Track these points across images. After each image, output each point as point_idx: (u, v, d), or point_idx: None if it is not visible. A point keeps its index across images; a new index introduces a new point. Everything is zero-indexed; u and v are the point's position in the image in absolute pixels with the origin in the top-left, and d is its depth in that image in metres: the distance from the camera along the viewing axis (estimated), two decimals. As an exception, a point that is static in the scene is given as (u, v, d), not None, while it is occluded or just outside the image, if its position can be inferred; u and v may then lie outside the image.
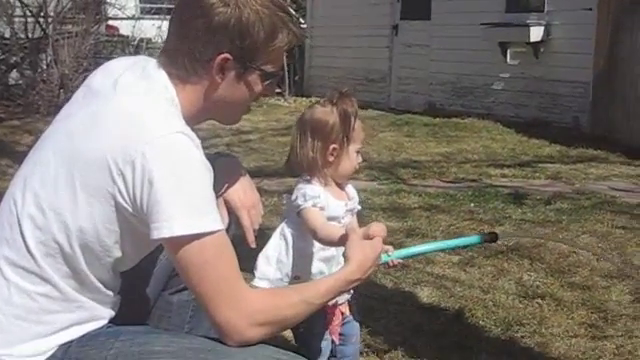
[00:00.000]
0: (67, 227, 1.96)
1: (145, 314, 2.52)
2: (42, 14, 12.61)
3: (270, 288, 2.51)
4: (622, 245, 5.31)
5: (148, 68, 2.09)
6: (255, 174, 6.99)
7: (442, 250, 2.48)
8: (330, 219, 2.57)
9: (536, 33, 11.16)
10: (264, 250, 2.63)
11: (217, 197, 2.30)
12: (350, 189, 2.72)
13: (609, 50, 10.34)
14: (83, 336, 2.05)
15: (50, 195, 1.97)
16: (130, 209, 1.93)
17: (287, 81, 15.09)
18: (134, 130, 1.92)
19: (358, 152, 2.66)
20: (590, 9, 10.57)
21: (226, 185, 2.37)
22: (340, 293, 2.22)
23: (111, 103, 2.01)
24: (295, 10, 17.57)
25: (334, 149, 2.59)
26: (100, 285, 2.06)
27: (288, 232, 2.62)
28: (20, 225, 1.98)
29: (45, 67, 12.35)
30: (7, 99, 12.34)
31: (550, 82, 11.21)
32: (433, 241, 2.62)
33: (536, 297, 4.28)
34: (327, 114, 2.59)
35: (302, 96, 14.92)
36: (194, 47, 2.04)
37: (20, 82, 12.77)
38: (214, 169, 2.06)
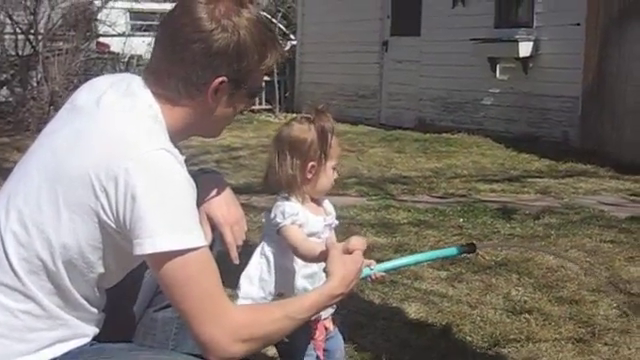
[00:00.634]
0: (50, 244, 1.96)
1: (130, 331, 2.51)
2: (32, 31, 12.61)
3: (253, 304, 2.51)
4: (610, 259, 5.31)
5: (132, 85, 2.09)
6: (244, 190, 7.05)
7: (423, 262, 2.51)
8: (310, 235, 2.58)
9: (525, 48, 11.20)
10: (246, 270, 2.63)
11: (200, 212, 2.31)
12: (327, 204, 2.73)
13: (598, 65, 10.38)
14: (66, 354, 2.04)
15: (33, 212, 1.97)
16: (113, 225, 1.93)
17: (277, 97, 15.11)
18: (117, 147, 1.92)
19: (334, 168, 2.67)
20: (578, 24, 10.62)
21: (209, 201, 2.37)
22: (324, 308, 2.23)
23: (94, 120, 2.01)
24: (286, 26, 17.66)
25: (312, 167, 2.60)
26: (84, 302, 2.06)
27: (269, 250, 2.62)
28: (3, 242, 1.98)
29: (35, 84, 12.34)
30: (-3, 116, 12.33)
31: (539, 97, 11.25)
32: (414, 253, 2.64)
33: (524, 312, 4.28)
34: (305, 132, 2.60)
35: (292, 112, 14.91)
36: (190, 71, 2.04)
37: (10, 99, 12.76)
38: (197, 185, 2.06)
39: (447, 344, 3.87)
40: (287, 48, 16.53)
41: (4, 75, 13.03)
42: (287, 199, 2.60)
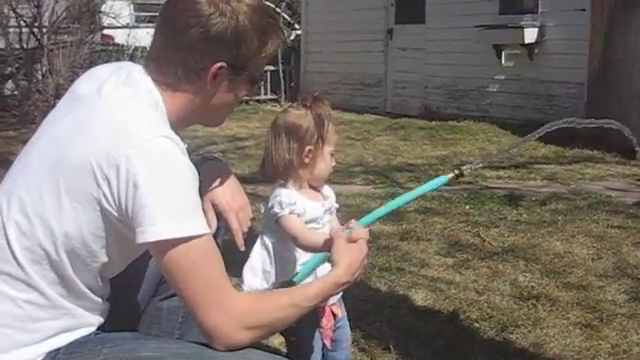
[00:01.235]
0: (53, 233, 1.95)
1: (135, 320, 2.51)
2: (36, 24, 12.61)
3: (258, 292, 2.50)
4: (618, 245, 5.29)
5: (133, 73, 2.09)
6: (250, 180, 7.03)
7: (408, 201, 2.39)
8: (310, 221, 2.57)
9: (530, 35, 11.16)
10: (249, 262, 2.62)
11: (204, 200, 2.30)
12: (326, 189, 2.72)
13: (603, 51, 10.33)
14: (71, 343, 2.04)
15: (35, 201, 1.96)
16: (115, 214, 1.92)
17: (283, 87, 15.09)
18: (118, 135, 1.91)
19: (332, 154, 2.67)
20: (584, 10, 10.57)
21: (214, 188, 2.36)
22: (329, 296, 2.22)
23: (95, 108, 2.00)
24: (290, 16, 17.62)
25: (310, 150, 2.60)
26: (88, 291, 2.05)
27: (268, 241, 2.61)
28: (5, 231, 1.97)
29: (40, 77, 12.35)
30: (2, 110, 12.33)
31: (545, 83, 11.21)
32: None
33: (531, 298, 4.26)
34: (301, 117, 2.60)
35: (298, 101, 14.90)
36: (189, 56, 2.03)
37: (15, 93, 12.76)
38: (201, 173, 2.05)
39: (454, 331, 3.86)
40: (292, 38, 16.52)
41: (9, 68, 13.04)
42: (284, 186, 2.60)
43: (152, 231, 1.88)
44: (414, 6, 13.18)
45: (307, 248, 2.51)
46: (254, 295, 2.37)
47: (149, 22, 13.95)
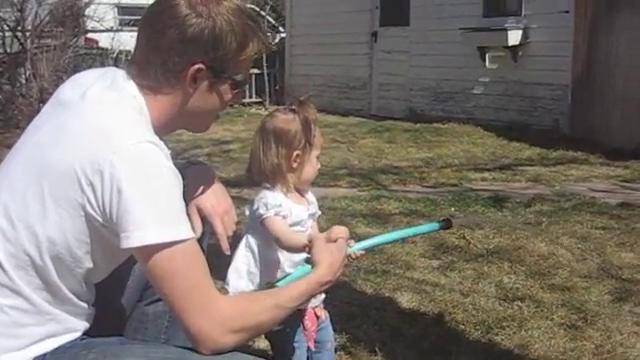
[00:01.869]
0: (37, 239, 1.95)
1: (121, 325, 2.50)
2: (20, 28, 12.57)
3: (242, 294, 2.51)
4: (602, 246, 5.32)
5: (117, 79, 2.09)
6: (235, 183, 7.03)
7: (402, 239, 2.52)
8: (294, 224, 2.59)
9: (514, 37, 11.19)
10: (233, 264, 2.64)
11: (189, 204, 2.30)
12: (310, 195, 2.74)
13: (587, 52, 10.39)
14: (57, 349, 2.03)
15: (19, 207, 1.96)
16: (100, 219, 1.93)
17: (267, 90, 15.09)
18: (102, 140, 1.92)
19: (317, 158, 2.70)
20: (567, 12, 10.62)
21: (199, 192, 2.36)
22: (312, 296, 2.23)
23: (79, 114, 2.00)
24: (275, 19, 17.63)
25: (297, 155, 2.62)
26: (73, 297, 2.05)
27: (253, 242, 2.63)
28: (-10, 238, 1.97)
29: (24, 81, 12.30)
30: (-14, 114, 12.28)
31: (529, 85, 11.25)
32: (393, 230, 2.65)
33: (516, 299, 4.29)
34: (289, 122, 2.62)
35: (283, 104, 14.87)
36: (167, 58, 2.04)
37: (-1, 97, 12.71)
38: (186, 177, 2.05)
39: (440, 333, 3.87)
40: (276, 41, 16.53)
41: (-8, 72, 12.99)
42: (270, 189, 2.61)
43: (136, 236, 1.88)
44: (399, 9, 13.20)
45: (290, 249, 2.54)
46: (238, 298, 2.38)
47: (133, 25, 13.93)
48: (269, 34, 16.23)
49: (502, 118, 11.53)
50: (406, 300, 4.29)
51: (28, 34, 12.53)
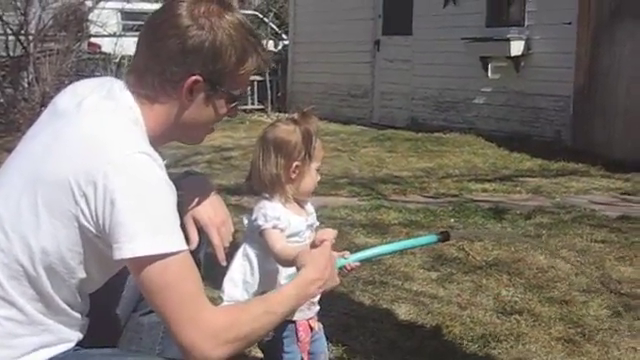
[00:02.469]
0: (30, 249, 1.94)
1: (115, 336, 2.50)
2: (23, 32, 12.56)
3: (232, 304, 2.50)
4: (601, 259, 5.31)
5: (113, 89, 2.09)
6: (236, 191, 7.02)
7: (397, 251, 2.51)
8: (292, 235, 2.59)
9: (517, 47, 11.19)
10: (229, 273, 2.63)
11: (186, 215, 2.30)
12: (309, 207, 2.74)
13: (589, 64, 10.38)
14: (50, 359, 2.03)
15: (13, 217, 1.96)
16: (93, 230, 1.92)
17: (269, 97, 15.09)
18: (96, 151, 1.91)
19: (318, 170, 2.70)
20: (570, 23, 10.61)
21: (195, 203, 2.36)
22: (304, 298, 2.21)
23: (74, 124, 2.00)
24: (278, 26, 17.65)
25: (297, 166, 2.62)
26: (67, 307, 2.05)
27: (251, 252, 2.62)
28: (-17, 248, 1.96)
29: (27, 85, 12.29)
30: (-12, 117, 12.28)
31: (531, 96, 11.25)
32: (390, 242, 2.66)
33: (514, 313, 4.27)
34: (290, 133, 2.61)
35: (285, 112, 14.89)
36: (165, 67, 2.04)
37: (1, 100, 12.68)
38: (182, 188, 2.05)
39: (437, 345, 3.86)
40: (279, 48, 16.54)
41: (-5, 76, 12.99)
42: (269, 199, 2.61)
43: (129, 248, 1.87)
44: (401, 18, 13.20)
45: (283, 263, 2.52)
46: (229, 308, 2.36)
47: (136, 31, 13.87)
48: (272, 41, 16.25)
49: (503, 129, 11.52)
50: (404, 312, 4.28)
51: (31, 38, 12.52)
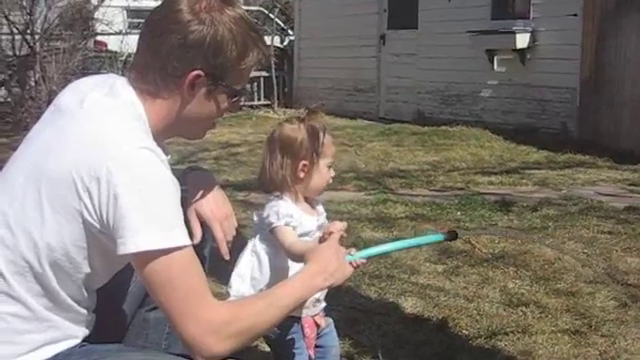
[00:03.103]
0: (36, 245, 1.95)
1: (121, 332, 2.51)
2: (29, 31, 12.58)
3: (237, 299, 2.51)
4: (608, 250, 5.30)
5: (116, 85, 2.09)
6: (243, 187, 7.04)
7: (405, 248, 2.53)
8: (302, 235, 2.58)
9: (522, 40, 11.18)
10: (237, 269, 2.63)
11: (189, 210, 2.31)
12: (320, 207, 2.73)
13: (595, 55, 10.36)
14: (56, 356, 2.04)
15: (18, 213, 1.97)
16: (97, 225, 1.93)
17: (276, 93, 15.09)
18: (99, 146, 1.92)
19: (330, 166, 2.68)
20: (575, 15, 10.60)
21: (198, 198, 2.37)
22: (309, 292, 2.19)
23: (77, 121, 2.01)
24: (283, 22, 17.64)
25: (304, 165, 2.61)
26: (73, 303, 2.06)
27: (261, 249, 2.62)
28: (-12, 245, 1.97)
29: (33, 84, 12.32)
30: (-5, 117, 12.32)
31: (537, 88, 11.23)
32: (397, 240, 2.67)
33: (521, 305, 4.27)
34: (295, 131, 2.61)
35: (291, 108, 14.91)
36: (167, 62, 2.04)
37: (8, 99, 12.73)
38: (186, 183, 2.05)
39: (443, 338, 3.86)
40: (285, 44, 16.54)
41: (1, 75, 13.01)
42: (281, 198, 2.61)
43: (132, 242, 1.88)
44: (407, 12, 13.19)
45: (294, 258, 2.52)
46: (232, 303, 2.36)
47: (142, 29, 13.92)
48: (277, 37, 16.25)
49: (510, 121, 11.51)
50: (410, 305, 4.28)
51: (37, 37, 12.55)
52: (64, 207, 1.93)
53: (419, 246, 2.86)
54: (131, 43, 13.62)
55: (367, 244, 5.09)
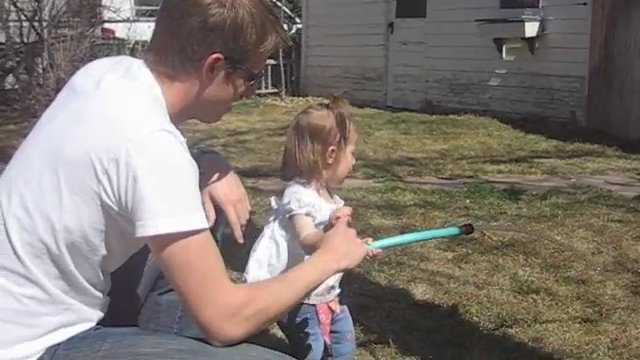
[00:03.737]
0: (53, 227, 1.95)
1: (134, 315, 2.51)
2: (37, 18, 12.57)
3: (251, 283, 2.51)
4: (618, 239, 5.29)
5: (133, 67, 2.09)
6: (251, 174, 7.05)
7: (420, 241, 2.55)
8: (319, 224, 2.58)
9: (531, 28, 11.15)
10: (255, 254, 2.64)
11: (202, 192, 2.30)
12: (337, 198, 2.74)
13: (604, 44, 10.33)
14: (71, 338, 2.03)
15: (36, 196, 1.96)
16: (116, 208, 1.92)
17: (283, 81, 15.08)
18: (118, 128, 1.91)
19: (352, 153, 2.71)
20: (585, 4, 10.57)
21: (212, 181, 2.36)
22: (322, 275, 2.17)
23: (94, 102, 2.00)
24: (291, 10, 17.60)
25: (332, 151, 2.63)
26: (89, 286, 2.05)
27: (280, 235, 2.63)
28: (6, 227, 1.97)
29: (41, 71, 12.31)
30: (3, 104, 12.31)
31: (546, 77, 11.21)
32: (413, 232, 2.68)
33: (531, 292, 4.27)
34: (324, 118, 2.63)
35: (299, 96, 14.91)
36: (186, 45, 2.03)
37: (16, 87, 12.73)
38: (200, 166, 2.05)
39: (453, 325, 3.86)
40: (293, 31, 16.51)
41: (10, 62, 13.01)
42: (304, 185, 2.61)
43: (151, 225, 1.87)
44: (415, 0, 13.16)
45: (307, 249, 2.51)
46: (247, 285, 2.37)
47: (150, 16, 13.94)
48: (285, 25, 16.22)
49: (518, 110, 11.49)
50: (420, 292, 4.29)
51: (45, 24, 12.53)
52: (82, 189, 1.92)
53: (434, 238, 2.87)
54: (139, 30, 13.62)
55: (376, 231, 5.10)
